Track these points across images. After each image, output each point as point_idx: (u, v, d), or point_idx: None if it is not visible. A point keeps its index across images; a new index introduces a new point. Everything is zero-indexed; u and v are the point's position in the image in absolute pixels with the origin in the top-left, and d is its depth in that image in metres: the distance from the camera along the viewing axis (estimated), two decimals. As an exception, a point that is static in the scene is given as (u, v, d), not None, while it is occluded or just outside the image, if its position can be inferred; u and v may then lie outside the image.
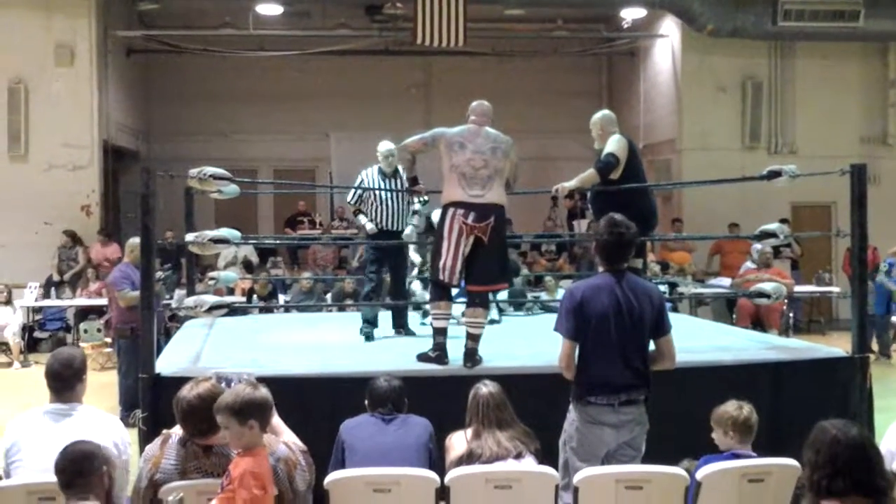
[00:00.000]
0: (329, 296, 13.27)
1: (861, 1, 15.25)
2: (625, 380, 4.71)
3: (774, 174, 7.33)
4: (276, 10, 16.38)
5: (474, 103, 6.73)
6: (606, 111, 7.63)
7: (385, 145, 8.15)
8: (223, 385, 4.43)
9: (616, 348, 4.69)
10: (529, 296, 10.88)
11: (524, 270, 13.02)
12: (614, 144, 7.09)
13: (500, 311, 9.47)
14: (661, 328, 4.82)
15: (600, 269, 4.92)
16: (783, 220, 11.93)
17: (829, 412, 6.36)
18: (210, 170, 6.87)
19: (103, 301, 13.76)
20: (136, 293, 8.61)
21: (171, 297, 12.19)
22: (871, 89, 17.07)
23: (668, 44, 17.37)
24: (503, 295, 9.40)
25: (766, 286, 7.52)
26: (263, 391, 4.07)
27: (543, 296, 11.30)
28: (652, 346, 4.84)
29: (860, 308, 6.77)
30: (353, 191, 8.42)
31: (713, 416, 4.89)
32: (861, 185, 6.72)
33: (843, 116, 16.76)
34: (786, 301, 11.75)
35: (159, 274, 9.39)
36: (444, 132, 6.63)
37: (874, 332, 12.72)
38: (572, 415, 4.84)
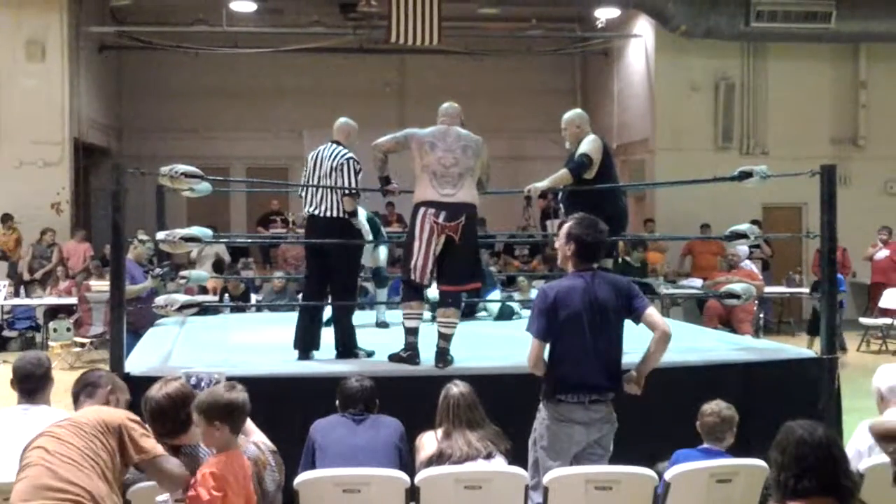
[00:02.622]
0: (301, 295, 13.20)
1: (833, 2, 15.37)
2: (595, 378, 4.73)
3: (746, 175, 7.36)
4: (250, 6, 16.34)
5: (444, 105, 6.75)
6: (579, 110, 7.59)
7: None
8: (193, 384, 4.42)
9: (588, 347, 4.71)
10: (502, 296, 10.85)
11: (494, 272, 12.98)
12: (588, 145, 7.04)
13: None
14: (635, 309, 4.80)
15: (571, 269, 4.93)
16: (754, 222, 12.04)
17: (797, 413, 6.41)
18: (181, 167, 6.81)
19: (73, 300, 13.70)
20: (136, 287, 8.61)
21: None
22: (842, 91, 17.21)
23: (641, 44, 17.44)
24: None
25: (736, 287, 7.57)
26: (236, 395, 4.02)
27: (517, 296, 11.31)
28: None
29: (829, 309, 6.82)
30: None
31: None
32: (831, 186, 6.77)
33: (815, 117, 16.89)
34: (756, 302, 11.81)
35: (157, 271, 9.33)
36: (415, 132, 6.63)
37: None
38: (542, 413, 4.86)
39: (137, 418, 4.01)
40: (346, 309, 7.11)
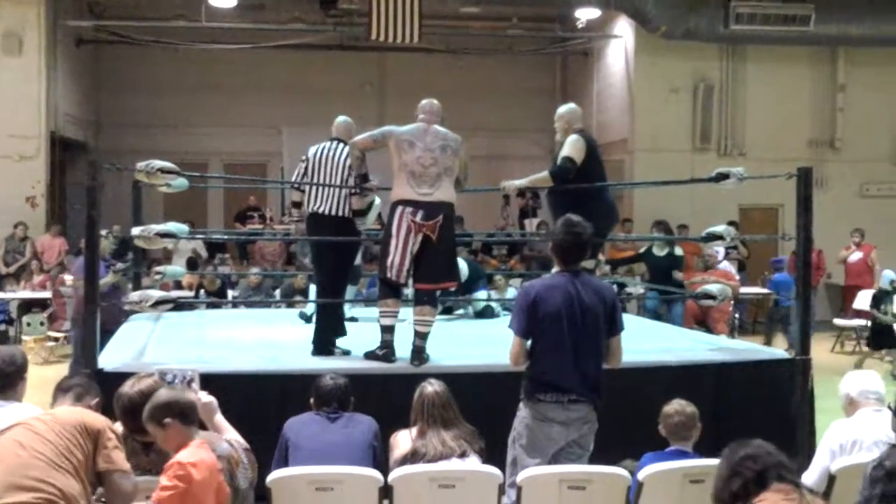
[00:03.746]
0: (278, 292, 13.18)
1: (812, 6, 15.44)
2: (575, 378, 4.74)
3: (723, 176, 7.41)
4: (230, 2, 16.25)
5: (424, 101, 6.71)
6: (572, 105, 7.46)
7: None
8: (167, 381, 4.39)
9: (568, 347, 4.73)
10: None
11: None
12: (570, 147, 6.97)
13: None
14: (613, 327, 4.88)
15: (556, 268, 4.94)
16: (731, 223, 12.08)
17: (771, 413, 6.50)
18: (158, 163, 6.79)
19: (47, 294, 13.61)
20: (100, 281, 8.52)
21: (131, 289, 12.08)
22: (820, 93, 17.29)
23: (621, 44, 17.48)
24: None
25: (712, 288, 7.60)
26: (176, 391, 4.08)
27: (494, 294, 11.31)
28: None
29: (804, 310, 6.86)
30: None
31: (660, 415, 4.95)
32: (807, 188, 6.81)
33: (793, 120, 16.96)
34: (732, 302, 11.87)
35: (119, 266, 9.27)
36: (393, 130, 6.61)
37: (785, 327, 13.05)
38: (522, 412, 4.87)
39: (117, 430, 3.99)
40: (334, 305, 7.18)
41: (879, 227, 15.89)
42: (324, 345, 6.94)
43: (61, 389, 4.35)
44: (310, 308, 7.48)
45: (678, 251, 12.00)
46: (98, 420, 3.90)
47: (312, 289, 9.11)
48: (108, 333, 8.07)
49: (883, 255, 15.25)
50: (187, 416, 3.99)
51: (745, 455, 3.30)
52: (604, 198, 7.19)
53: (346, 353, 6.90)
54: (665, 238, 11.87)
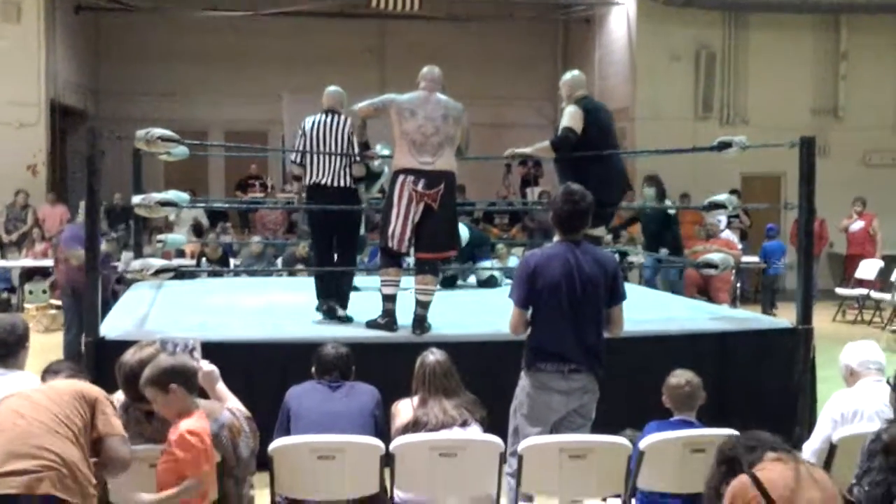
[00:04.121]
0: (279, 260, 13.18)
1: (815, -27, 15.37)
2: (575, 348, 4.74)
3: (725, 145, 7.40)
4: (230, -31, 16.16)
5: (425, 69, 6.66)
6: (575, 72, 7.45)
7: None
8: (168, 350, 4.39)
9: (567, 317, 4.72)
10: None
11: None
12: (567, 117, 7.00)
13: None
14: (613, 297, 4.85)
15: (556, 237, 4.93)
16: (733, 191, 12.05)
17: (773, 383, 6.52)
18: (157, 131, 6.76)
19: (49, 262, 13.60)
20: (81, 252, 8.50)
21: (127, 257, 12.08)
22: (822, 61, 17.21)
23: (623, 12, 17.37)
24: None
25: (714, 257, 7.59)
26: (181, 357, 4.11)
27: (496, 263, 11.29)
28: None
29: (806, 280, 6.86)
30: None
31: (664, 384, 4.94)
32: (810, 158, 6.79)
33: (795, 88, 16.89)
34: (733, 271, 11.86)
35: (112, 234, 9.25)
36: (394, 98, 6.57)
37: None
38: (523, 381, 4.88)
39: (113, 399, 4.00)
40: (348, 273, 7.34)
41: (882, 195, 15.85)
42: (332, 304, 7.02)
43: (51, 371, 4.35)
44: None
45: (668, 204, 11.97)
46: (94, 388, 3.90)
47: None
48: (103, 302, 8.09)
49: (885, 224, 15.23)
50: (191, 382, 4.01)
51: (736, 441, 3.36)
52: (608, 165, 7.11)
53: (349, 319, 6.91)
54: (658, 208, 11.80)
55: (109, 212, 9.71)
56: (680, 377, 4.82)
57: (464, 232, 8.81)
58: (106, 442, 3.76)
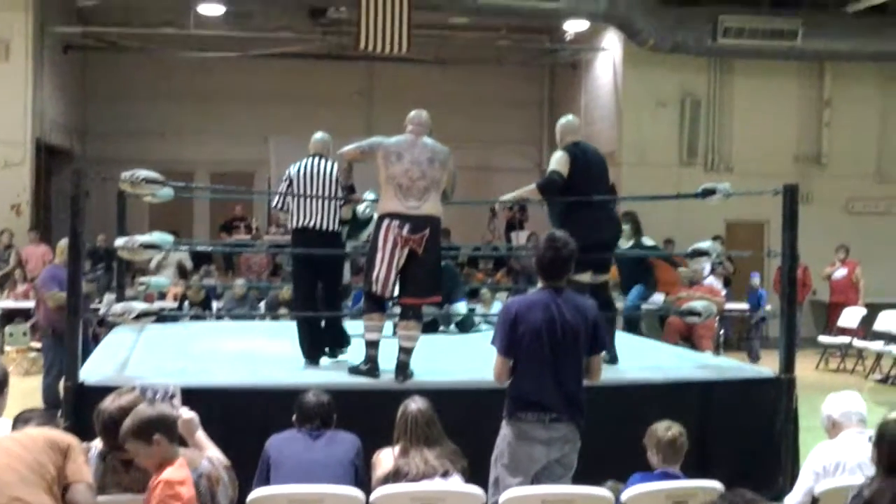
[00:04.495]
0: (263, 304, 13.13)
1: (799, 21, 15.53)
2: (556, 397, 4.71)
3: (709, 192, 7.42)
4: (218, 10, 16.22)
5: (412, 113, 6.67)
6: (568, 117, 7.49)
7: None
8: (147, 398, 4.36)
9: (548, 365, 4.70)
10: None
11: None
12: (553, 161, 7.07)
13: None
14: (593, 346, 4.84)
15: (539, 284, 4.92)
16: (716, 238, 12.10)
17: (756, 432, 6.49)
18: (142, 173, 6.73)
19: (30, 304, 13.50)
20: (64, 294, 8.44)
21: (101, 300, 11.99)
22: (806, 108, 17.38)
23: (609, 57, 17.52)
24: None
25: (697, 304, 7.59)
26: (161, 407, 4.07)
27: (479, 309, 11.28)
28: None
29: (789, 328, 6.85)
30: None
31: (646, 435, 4.91)
32: (792, 205, 6.81)
33: (779, 135, 17.04)
34: (717, 318, 11.87)
35: (91, 275, 9.20)
36: (381, 142, 6.57)
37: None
38: (504, 431, 4.85)
39: (83, 446, 3.96)
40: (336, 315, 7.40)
41: (865, 243, 15.95)
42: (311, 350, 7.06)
43: (22, 419, 4.29)
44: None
45: (647, 241, 11.92)
46: (67, 436, 3.87)
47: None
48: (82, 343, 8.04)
49: (868, 272, 15.30)
50: (173, 431, 3.99)
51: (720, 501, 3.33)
52: (594, 209, 7.11)
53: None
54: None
55: (92, 253, 9.64)
56: (668, 429, 4.80)
57: None
58: (72, 487, 3.72)
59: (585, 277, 7.14)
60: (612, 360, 7.03)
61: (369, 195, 7.69)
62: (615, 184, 7.55)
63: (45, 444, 3.72)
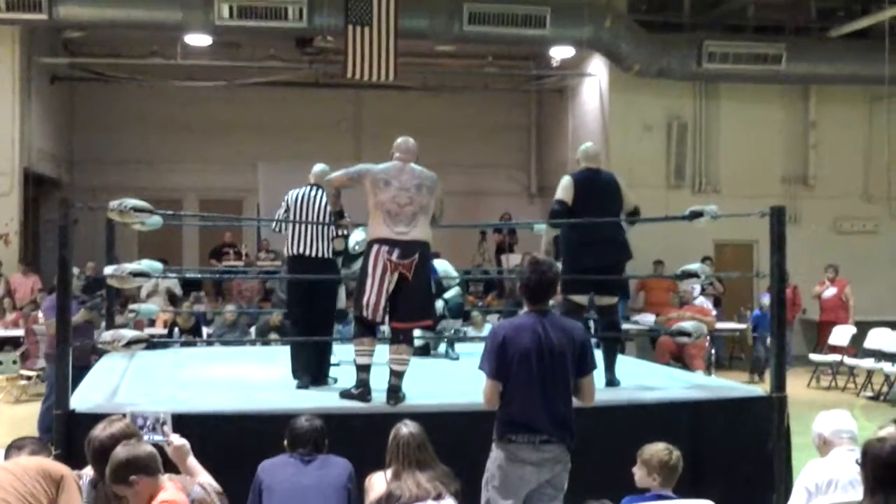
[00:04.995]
0: (253, 329, 13.11)
1: (783, 45, 15.68)
2: (546, 419, 4.71)
3: (696, 214, 7.46)
4: (206, 40, 16.27)
5: (399, 140, 6.71)
6: (587, 145, 7.80)
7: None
8: (138, 425, 4.35)
9: (537, 388, 4.70)
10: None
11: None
12: (559, 188, 7.37)
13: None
14: (582, 367, 4.84)
15: (525, 308, 4.94)
16: (705, 259, 12.12)
17: (748, 451, 6.50)
18: (131, 202, 6.73)
19: (20, 332, 13.48)
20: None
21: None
22: (792, 131, 17.47)
23: (595, 83, 17.61)
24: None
25: (687, 325, 7.61)
26: (136, 447, 4.00)
27: (471, 331, 11.29)
28: None
29: (779, 348, 6.87)
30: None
31: (640, 455, 4.90)
32: (780, 226, 6.84)
33: (766, 157, 17.12)
34: (708, 338, 11.90)
35: (89, 303, 9.20)
36: (369, 168, 6.60)
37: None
38: (494, 453, 4.84)
39: (75, 474, 3.94)
40: (328, 342, 7.54)
41: (853, 262, 16.02)
42: (322, 374, 7.25)
43: (14, 447, 4.28)
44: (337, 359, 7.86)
45: None
46: (60, 466, 3.85)
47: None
48: (83, 370, 8.04)
49: (857, 291, 15.36)
50: (150, 467, 3.94)
51: None
52: (591, 232, 7.24)
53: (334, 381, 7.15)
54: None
55: (94, 280, 9.67)
56: (664, 451, 4.79)
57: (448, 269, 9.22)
58: None
59: (582, 299, 7.40)
60: (611, 382, 7.07)
61: (359, 233, 7.78)
62: (638, 208, 7.64)
63: (38, 475, 3.71)
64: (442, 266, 9.37)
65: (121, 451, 3.96)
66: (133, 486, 3.83)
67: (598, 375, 7.24)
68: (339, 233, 7.37)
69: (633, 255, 7.66)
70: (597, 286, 7.36)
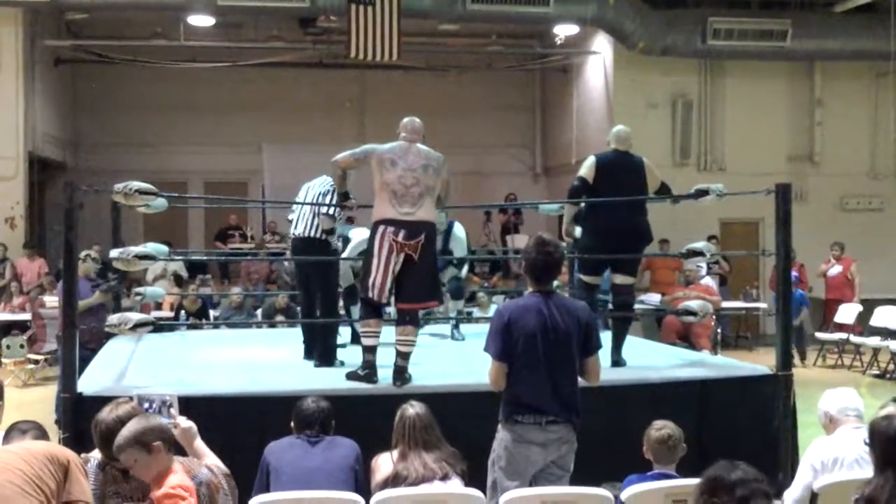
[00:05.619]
0: (259, 311, 13.14)
1: (788, 21, 15.58)
2: (552, 399, 4.71)
3: (702, 193, 7.46)
4: (208, 21, 16.22)
5: (405, 120, 6.70)
6: (619, 127, 7.83)
7: None
8: (145, 407, 4.36)
9: (543, 368, 4.70)
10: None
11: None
12: (581, 167, 7.49)
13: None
14: (588, 347, 4.84)
15: (529, 288, 4.93)
16: (711, 238, 12.09)
17: (754, 429, 6.50)
18: (136, 184, 6.73)
19: (27, 316, 13.51)
20: (84, 301, 8.43)
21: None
22: (797, 108, 17.39)
23: (600, 60, 17.54)
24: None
25: (693, 304, 7.61)
26: (155, 417, 4.11)
27: (477, 312, 11.29)
28: None
29: (785, 325, 6.87)
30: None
31: (645, 434, 4.93)
32: (786, 204, 6.82)
33: (771, 134, 17.05)
34: (714, 317, 11.89)
35: (104, 285, 9.22)
36: (375, 148, 6.59)
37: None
38: (500, 434, 4.85)
39: (82, 457, 3.96)
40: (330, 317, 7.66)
41: (859, 240, 15.97)
42: (328, 357, 7.35)
43: (18, 430, 4.27)
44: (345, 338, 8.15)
45: None
46: (66, 451, 3.85)
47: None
48: (93, 352, 8.08)
49: (863, 268, 15.33)
50: (170, 440, 3.98)
51: (723, 483, 3.24)
52: (607, 214, 7.31)
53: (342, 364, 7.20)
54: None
55: (107, 263, 9.66)
56: (662, 430, 4.81)
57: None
58: None
59: (595, 279, 7.57)
60: (617, 363, 7.10)
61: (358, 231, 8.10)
62: (665, 185, 7.69)
63: (46, 459, 3.71)
64: (460, 232, 9.23)
65: (142, 418, 3.99)
66: (153, 452, 3.84)
67: (604, 355, 7.38)
68: (329, 212, 7.35)
69: (652, 239, 7.71)
70: (614, 265, 7.45)
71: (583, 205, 7.51)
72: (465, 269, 10.14)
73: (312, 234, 7.45)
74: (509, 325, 4.72)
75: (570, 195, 7.50)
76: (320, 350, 7.39)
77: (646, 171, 7.53)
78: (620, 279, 7.51)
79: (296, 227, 7.61)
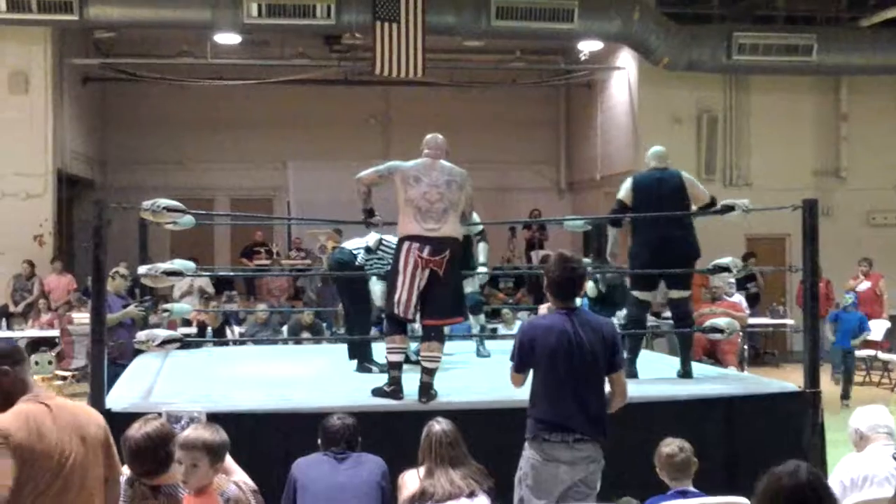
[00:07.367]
0: (285, 328, 13.17)
1: (814, 36, 15.53)
2: (579, 417, 4.70)
3: (728, 208, 7.44)
4: (235, 39, 16.33)
5: (428, 136, 6.73)
6: (655, 147, 7.99)
7: None
8: (173, 424, 4.39)
9: (569, 387, 4.70)
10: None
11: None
12: (619, 190, 7.75)
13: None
14: (612, 365, 4.83)
15: (550, 305, 4.91)
16: (749, 256, 11.99)
17: (782, 447, 6.45)
18: (163, 202, 6.80)
19: (55, 332, 13.61)
20: (114, 315, 8.52)
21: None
22: (823, 123, 17.31)
23: (624, 76, 17.53)
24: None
25: (720, 321, 7.59)
26: (220, 434, 4.15)
27: (501, 328, 11.27)
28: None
29: (812, 342, 6.83)
30: None
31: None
32: (812, 220, 6.80)
33: (797, 149, 16.97)
34: (741, 334, 11.81)
35: (141, 303, 9.33)
36: (399, 165, 6.62)
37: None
38: (527, 452, 4.83)
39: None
40: (362, 327, 8.22)
41: (887, 255, 15.85)
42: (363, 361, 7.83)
43: None
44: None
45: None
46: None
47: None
48: (122, 367, 8.14)
49: (891, 284, 15.20)
50: (217, 461, 4.06)
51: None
52: (646, 233, 7.58)
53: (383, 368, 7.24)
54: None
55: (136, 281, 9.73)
56: (671, 446, 4.75)
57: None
58: (113, 484, 3.78)
59: (647, 296, 7.80)
60: (687, 374, 7.48)
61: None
62: (714, 199, 7.75)
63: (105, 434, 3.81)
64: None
65: (217, 431, 4.09)
66: (213, 465, 3.94)
67: (674, 368, 7.58)
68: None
69: (699, 253, 7.71)
70: (667, 280, 7.64)
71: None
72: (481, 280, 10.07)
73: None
74: (533, 344, 4.76)
75: (612, 220, 7.78)
76: (360, 356, 7.96)
77: (685, 184, 7.56)
78: (676, 294, 7.71)
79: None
